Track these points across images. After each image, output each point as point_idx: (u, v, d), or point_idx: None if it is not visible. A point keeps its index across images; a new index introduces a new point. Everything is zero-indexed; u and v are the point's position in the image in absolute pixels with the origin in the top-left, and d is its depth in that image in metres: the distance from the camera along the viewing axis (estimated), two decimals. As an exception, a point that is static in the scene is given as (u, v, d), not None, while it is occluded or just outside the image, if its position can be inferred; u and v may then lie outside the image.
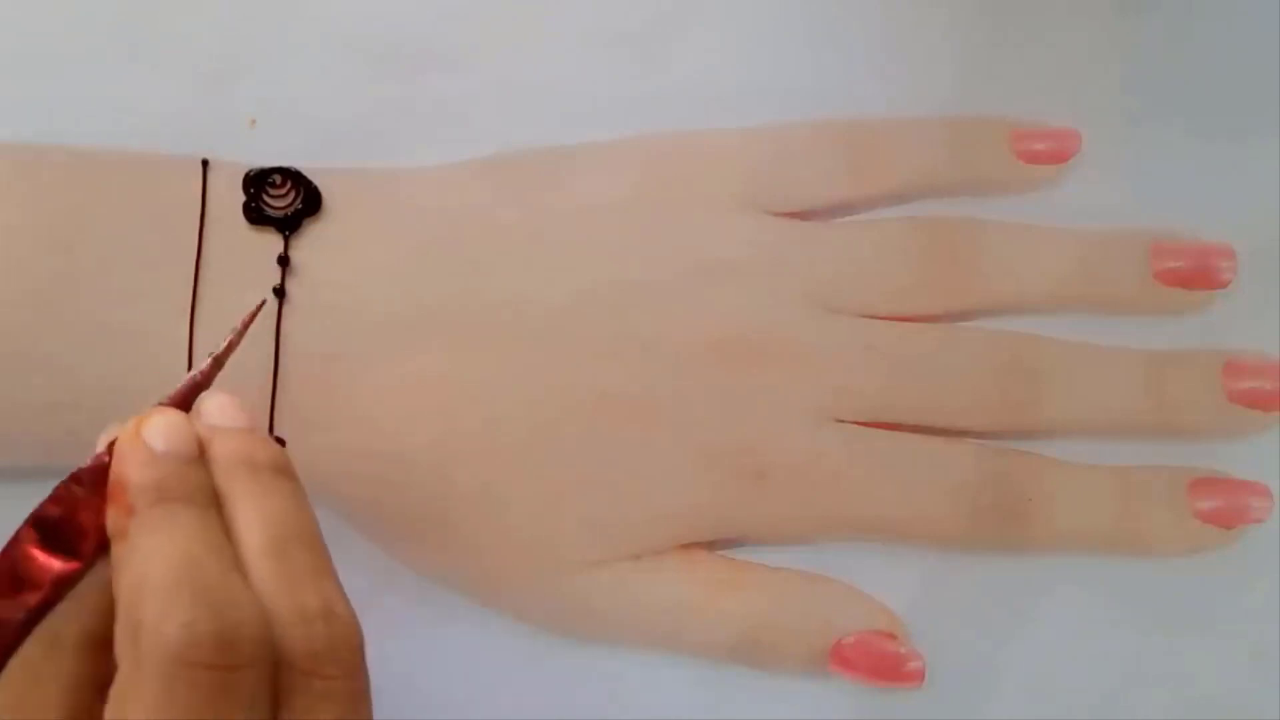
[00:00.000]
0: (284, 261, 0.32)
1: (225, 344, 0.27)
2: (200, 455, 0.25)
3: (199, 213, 0.32)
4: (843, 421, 0.33)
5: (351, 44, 0.35)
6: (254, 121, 0.34)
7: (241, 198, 0.33)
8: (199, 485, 0.25)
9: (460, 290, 0.33)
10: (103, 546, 0.25)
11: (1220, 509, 0.33)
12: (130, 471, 0.25)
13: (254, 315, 0.28)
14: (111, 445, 0.25)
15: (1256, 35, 0.36)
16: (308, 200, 0.33)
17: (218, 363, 0.27)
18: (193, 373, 0.27)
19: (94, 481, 0.25)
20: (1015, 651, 0.34)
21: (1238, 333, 0.35)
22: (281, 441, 0.32)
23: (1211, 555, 0.34)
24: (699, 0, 0.35)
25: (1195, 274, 0.34)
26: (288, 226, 0.33)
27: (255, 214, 0.33)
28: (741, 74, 0.35)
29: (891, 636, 0.33)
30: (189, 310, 0.32)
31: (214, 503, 0.25)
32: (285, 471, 0.26)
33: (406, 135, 0.34)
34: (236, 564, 0.24)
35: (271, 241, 0.33)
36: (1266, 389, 0.34)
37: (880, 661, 0.33)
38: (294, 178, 0.33)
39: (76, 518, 0.25)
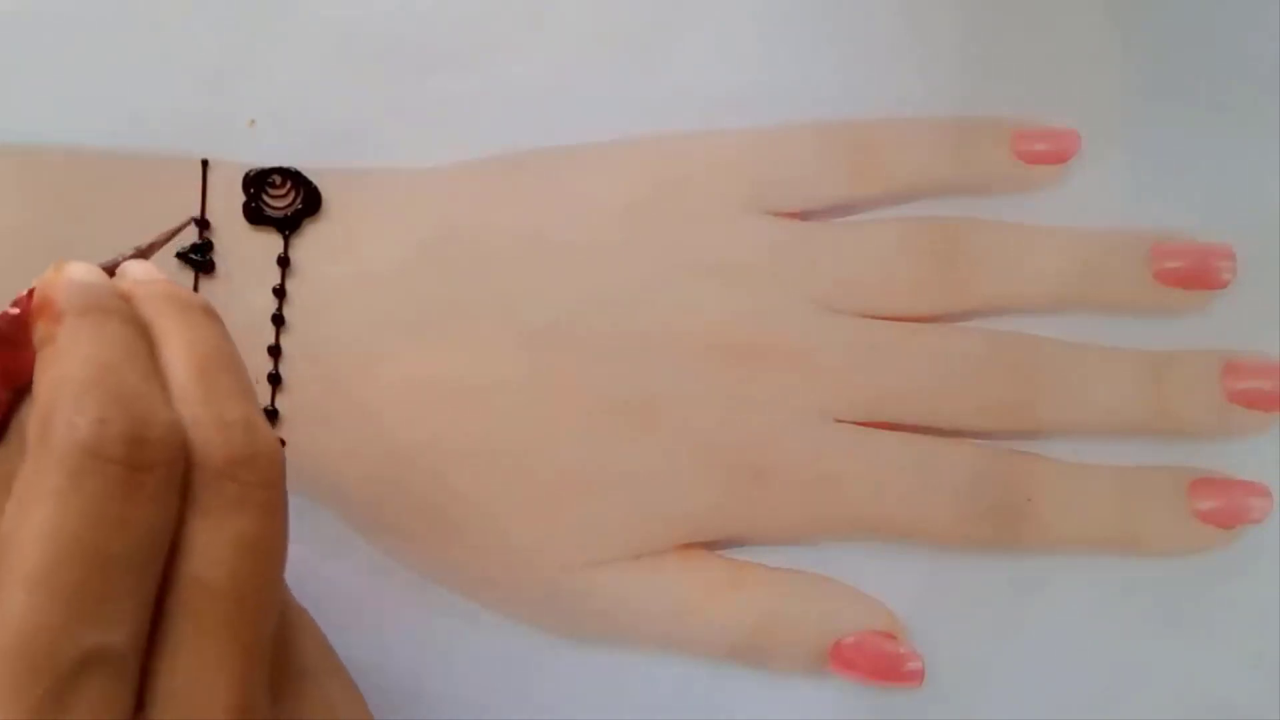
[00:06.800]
0: (284, 261, 0.32)
1: (149, 243, 0.28)
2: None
3: (199, 213, 0.33)
4: (843, 421, 0.33)
5: (352, 44, 0.35)
6: (254, 122, 0.34)
7: (241, 198, 0.33)
8: (128, 309, 0.25)
9: (460, 290, 0.33)
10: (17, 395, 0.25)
11: (1220, 509, 0.33)
12: (58, 292, 0.24)
13: (183, 226, 0.29)
14: (27, 295, 0.25)
15: (1256, 35, 0.36)
16: (308, 200, 0.33)
17: (140, 255, 0.27)
18: (114, 257, 0.27)
19: (8, 334, 0.25)
20: (1015, 651, 0.34)
21: (1238, 333, 0.34)
22: (281, 442, 0.32)
23: (1211, 555, 0.34)
24: (699, 1, 0.35)
25: (1195, 274, 0.34)
26: (288, 226, 0.33)
27: (255, 214, 0.33)
28: (742, 75, 0.35)
29: (891, 636, 0.33)
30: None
31: (142, 325, 0.25)
32: (212, 313, 0.26)
33: (406, 135, 0.34)
34: (157, 378, 0.24)
35: (271, 241, 0.33)
36: (1266, 389, 0.34)
37: (880, 661, 0.33)
38: (294, 178, 0.33)
39: None
